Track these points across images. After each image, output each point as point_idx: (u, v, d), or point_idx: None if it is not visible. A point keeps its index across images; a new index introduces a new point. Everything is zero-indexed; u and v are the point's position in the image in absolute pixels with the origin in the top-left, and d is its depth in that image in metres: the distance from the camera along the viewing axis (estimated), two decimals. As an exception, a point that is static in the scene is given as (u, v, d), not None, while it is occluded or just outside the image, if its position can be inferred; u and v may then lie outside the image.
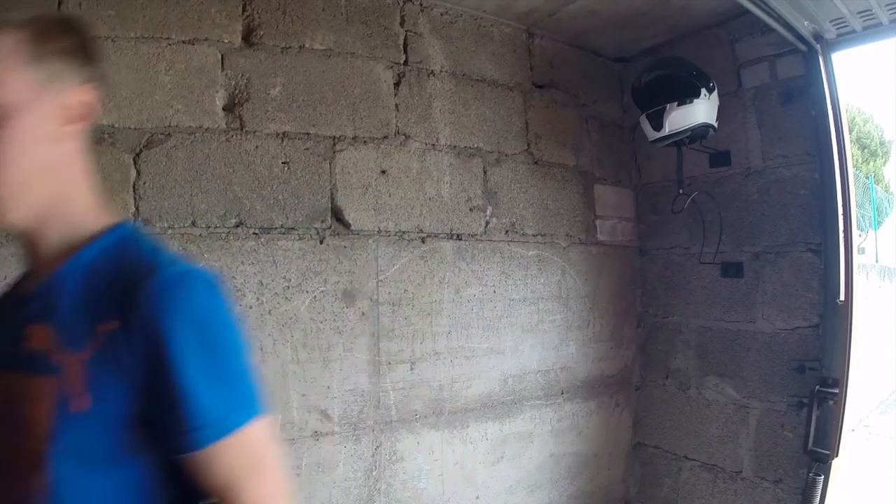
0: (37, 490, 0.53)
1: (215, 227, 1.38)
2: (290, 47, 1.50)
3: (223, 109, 1.42)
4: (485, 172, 1.79)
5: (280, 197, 1.45)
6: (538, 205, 1.91)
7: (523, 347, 1.84)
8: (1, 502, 0.56)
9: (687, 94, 1.63)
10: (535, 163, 1.91)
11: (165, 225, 1.33)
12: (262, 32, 1.47)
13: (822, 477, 1.59)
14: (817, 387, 1.61)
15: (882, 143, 13.58)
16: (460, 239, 1.72)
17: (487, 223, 1.79)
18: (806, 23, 1.54)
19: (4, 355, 0.57)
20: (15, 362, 0.56)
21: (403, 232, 1.62)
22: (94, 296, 0.56)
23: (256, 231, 1.42)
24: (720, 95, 1.71)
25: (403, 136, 1.65)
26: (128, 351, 0.52)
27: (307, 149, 1.49)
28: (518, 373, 1.83)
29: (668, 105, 1.64)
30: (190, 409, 0.52)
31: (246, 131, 1.43)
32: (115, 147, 1.31)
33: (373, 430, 1.54)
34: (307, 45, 1.52)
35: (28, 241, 0.60)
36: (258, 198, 1.43)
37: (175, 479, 0.55)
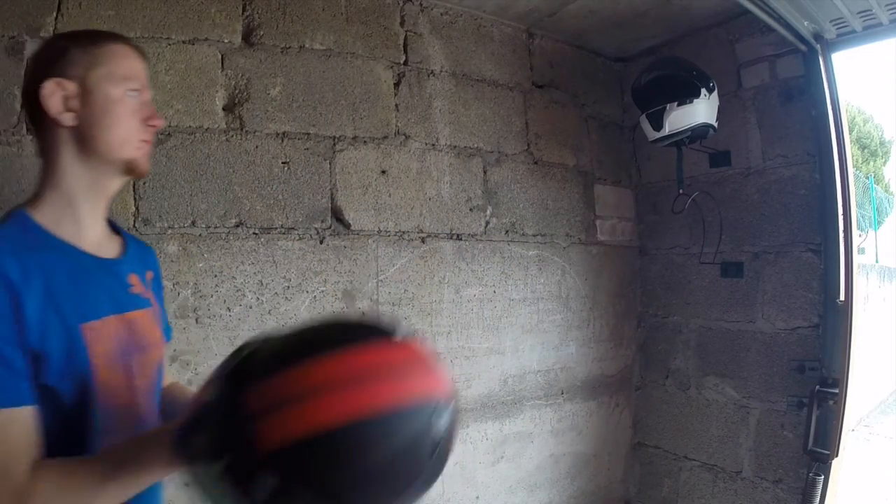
0: (158, 380, 0.85)
1: (215, 227, 1.38)
2: (290, 47, 1.50)
3: (223, 109, 1.42)
4: (485, 172, 1.79)
5: (280, 197, 1.45)
6: (538, 205, 1.91)
7: (523, 347, 1.84)
8: (146, 397, 0.80)
9: (687, 94, 1.63)
10: (535, 163, 1.91)
11: (165, 225, 1.33)
12: (262, 32, 1.47)
13: (822, 477, 1.59)
14: (817, 387, 1.61)
15: (882, 143, 13.58)
16: (460, 239, 1.72)
17: (487, 223, 1.79)
18: (806, 23, 1.54)
19: (124, 300, 0.79)
20: (133, 304, 0.80)
21: (403, 232, 1.62)
22: (139, 256, 0.88)
23: (256, 231, 1.42)
24: (720, 95, 1.71)
25: (403, 136, 1.65)
26: (157, 289, 0.90)
27: (307, 149, 1.49)
28: (518, 373, 1.83)
29: (668, 105, 1.64)
30: None
31: (246, 131, 1.43)
32: (115, 147, 1.30)
33: (373, 430, 1.54)
34: (307, 45, 1.52)
35: (106, 204, 0.81)
36: (258, 198, 1.43)
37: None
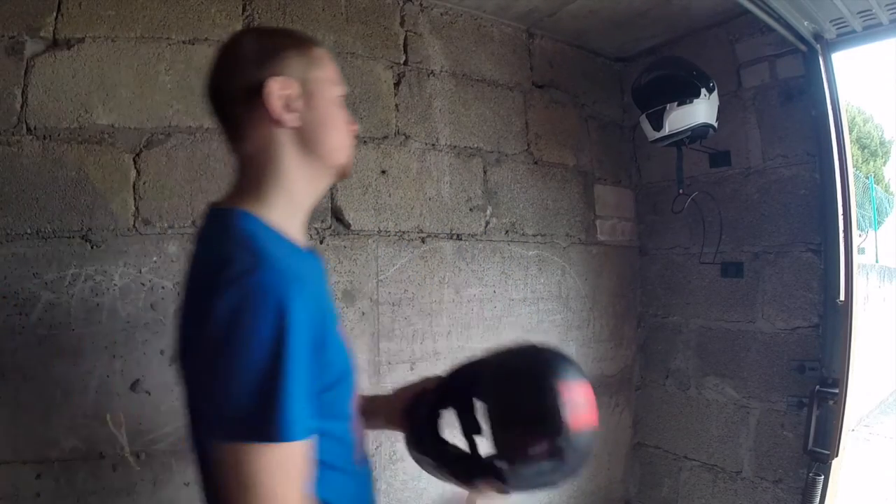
0: None
1: (215, 227, 1.38)
2: (290, 47, 1.50)
3: (223, 109, 1.42)
4: (485, 172, 1.79)
5: (280, 197, 1.45)
6: (538, 205, 1.91)
7: (523, 347, 1.84)
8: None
9: (687, 94, 1.63)
10: (535, 163, 1.91)
11: (165, 225, 1.33)
12: (262, 32, 1.47)
13: (822, 477, 1.59)
14: (817, 387, 1.61)
15: (882, 143, 13.58)
16: (460, 239, 1.72)
17: (487, 223, 1.79)
18: (806, 23, 1.54)
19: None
20: None
21: (403, 232, 1.62)
22: None
23: (256, 231, 1.42)
24: (720, 95, 1.71)
25: (403, 136, 1.65)
26: None
27: (307, 149, 1.49)
28: (518, 373, 1.82)
29: (668, 105, 1.64)
30: None
31: (246, 131, 1.43)
32: (115, 147, 1.31)
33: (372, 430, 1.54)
34: (307, 45, 1.52)
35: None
36: (258, 198, 1.42)
37: None
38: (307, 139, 0.74)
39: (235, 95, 0.73)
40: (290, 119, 0.72)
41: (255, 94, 0.70)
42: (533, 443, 0.74)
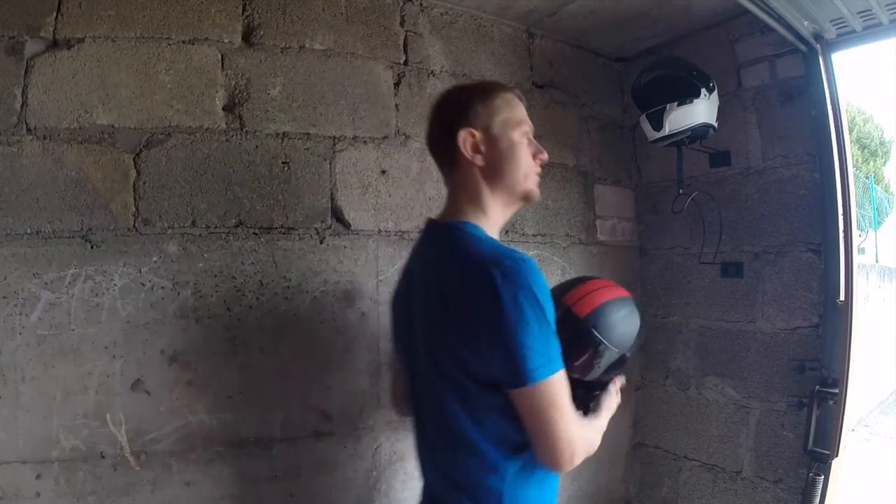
0: None
1: (215, 227, 1.38)
2: (290, 47, 1.50)
3: (223, 109, 1.42)
4: (485, 172, 1.79)
5: (280, 197, 1.45)
6: (538, 205, 1.90)
7: (523, 347, 1.84)
8: None
9: (687, 95, 1.63)
10: (535, 163, 1.91)
11: (165, 225, 1.33)
12: (262, 32, 1.47)
13: (822, 477, 1.59)
14: (817, 387, 1.61)
15: (882, 143, 13.59)
16: (460, 239, 1.72)
17: (487, 223, 1.79)
18: (806, 23, 1.54)
19: None
20: None
21: (403, 232, 1.62)
22: None
23: (256, 231, 1.42)
24: (720, 95, 1.71)
25: (403, 136, 1.65)
26: None
27: (307, 149, 1.49)
28: (518, 373, 1.82)
29: (668, 105, 1.64)
30: None
31: (246, 131, 1.43)
32: (115, 147, 1.31)
33: (373, 430, 1.54)
34: (307, 45, 1.52)
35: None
36: (258, 198, 1.43)
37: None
38: (493, 174, 0.97)
39: (443, 141, 1.00)
40: (478, 160, 0.96)
41: (453, 141, 0.96)
42: (578, 356, 1.08)
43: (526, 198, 1.01)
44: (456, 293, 0.87)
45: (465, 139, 0.96)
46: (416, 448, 1.04)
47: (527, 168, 0.99)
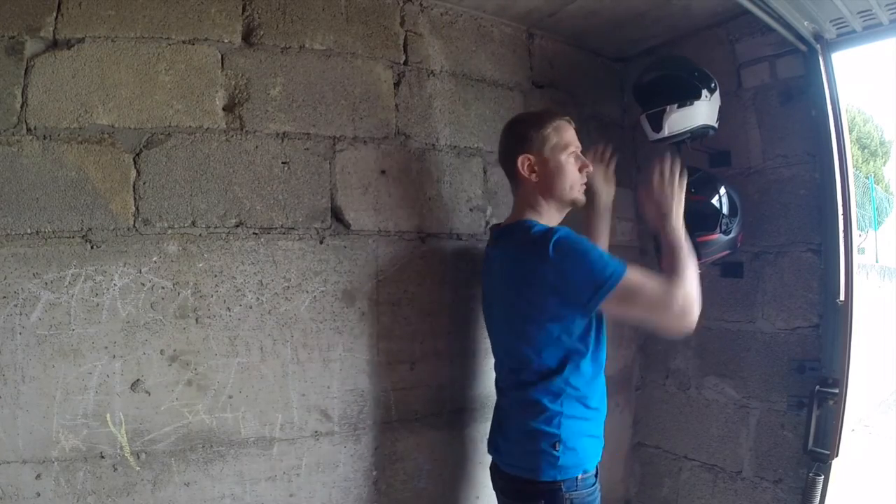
0: None
1: (215, 227, 1.38)
2: (290, 47, 1.50)
3: (223, 109, 1.42)
4: (485, 172, 1.79)
5: (280, 197, 1.45)
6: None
7: (523, 347, 1.83)
8: None
9: (687, 96, 1.62)
10: (535, 163, 1.91)
11: (165, 225, 1.33)
12: (262, 32, 1.47)
13: (822, 477, 1.59)
14: (817, 387, 1.61)
15: (882, 143, 13.60)
16: (460, 239, 1.72)
17: (487, 223, 1.78)
18: (806, 23, 1.54)
19: None
20: None
21: (403, 232, 1.62)
22: None
23: (256, 231, 1.42)
24: (720, 95, 1.71)
25: (403, 136, 1.65)
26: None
27: (307, 149, 1.49)
28: (518, 373, 1.82)
29: (668, 107, 1.63)
30: None
31: (246, 131, 1.43)
32: (115, 147, 1.31)
33: (373, 430, 1.54)
34: (307, 45, 1.52)
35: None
36: (258, 198, 1.43)
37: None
38: (545, 188, 1.30)
39: (507, 163, 1.35)
40: (533, 178, 1.30)
41: (515, 164, 1.30)
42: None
43: (573, 203, 1.32)
44: (515, 270, 1.25)
45: (523, 162, 1.29)
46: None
47: (572, 181, 1.29)
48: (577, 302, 1.16)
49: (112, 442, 1.26)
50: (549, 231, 1.18)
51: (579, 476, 1.26)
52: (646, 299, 1.12)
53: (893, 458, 4.09)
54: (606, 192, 1.54)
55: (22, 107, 1.24)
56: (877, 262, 7.36)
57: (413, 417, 1.61)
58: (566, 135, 1.29)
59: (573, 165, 1.29)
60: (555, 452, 1.22)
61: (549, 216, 1.30)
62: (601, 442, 1.36)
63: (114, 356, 1.27)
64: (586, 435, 1.28)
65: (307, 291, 1.46)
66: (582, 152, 1.33)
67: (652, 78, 1.70)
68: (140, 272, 1.30)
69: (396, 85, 1.65)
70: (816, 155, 1.68)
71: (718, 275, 1.90)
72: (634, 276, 1.12)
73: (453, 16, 1.78)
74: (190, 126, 1.37)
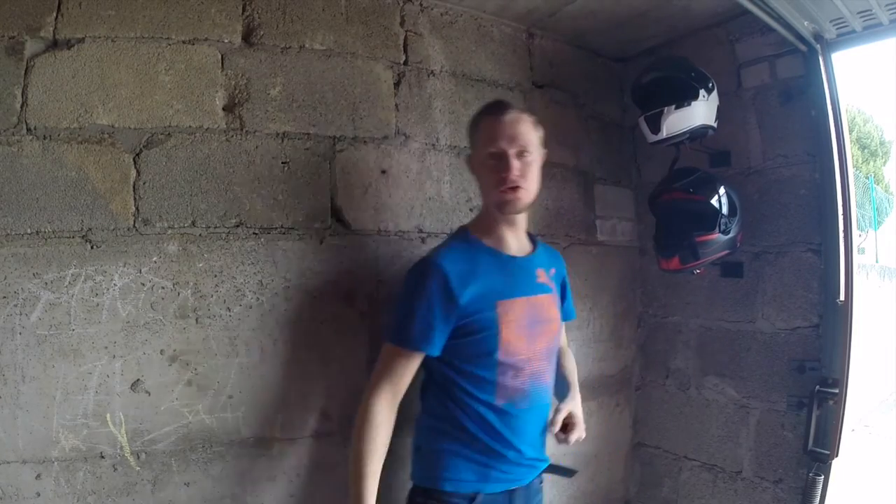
0: (554, 345, 1.30)
1: (215, 227, 1.38)
2: (290, 47, 1.50)
3: (223, 109, 1.42)
4: (485, 172, 1.79)
5: (280, 197, 1.45)
6: (538, 205, 1.89)
7: (523, 347, 1.83)
8: (543, 355, 1.24)
9: (684, 97, 1.62)
10: (535, 163, 1.91)
11: (165, 225, 1.33)
12: (262, 32, 1.47)
13: (822, 477, 1.59)
14: (817, 387, 1.61)
15: (882, 143, 13.60)
16: (460, 239, 1.72)
17: (487, 223, 1.78)
18: (806, 23, 1.54)
19: (533, 287, 1.25)
20: (539, 289, 1.26)
21: (403, 232, 1.62)
22: (546, 256, 1.35)
23: (256, 231, 1.42)
24: (720, 95, 1.71)
25: (403, 136, 1.65)
26: (558, 281, 1.36)
27: (307, 149, 1.49)
28: (518, 373, 1.82)
29: (666, 108, 1.63)
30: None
31: (246, 131, 1.43)
32: (115, 147, 1.31)
33: (373, 430, 1.54)
34: (307, 45, 1.52)
35: (513, 223, 1.26)
36: (258, 198, 1.43)
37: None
38: (480, 188, 1.30)
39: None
40: (475, 177, 1.31)
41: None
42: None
43: (501, 210, 1.22)
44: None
45: (467, 159, 1.34)
46: None
47: (488, 184, 1.22)
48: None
49: (112, 442, 1.26)
50: (422, 260, 1.24)
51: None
52: (377, 369, 1.21)
53: (893, 458, 4.09)
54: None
55: (22, 107, 1.24)
56: (877, 262, 7.36)
57: (413, 417, 1.61)
58: (487, 134, 1.22)
59: (490, 167, 1.20)
60: None
61: (488, 221, 1.27)
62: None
63: (114, 356, 1.27)
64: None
65: (307, 291, 1.46)
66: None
67: (648, 80, 1.71)
68: (140, 272, 1.30)
69: (396, 85, 1.65)
70: (816, 155, 1.68)
71: (718, 275, 1.90)
72: (389, 353, 1.19)
73: (453, 16, 1.78)
74: (190, 126, 1.37)
